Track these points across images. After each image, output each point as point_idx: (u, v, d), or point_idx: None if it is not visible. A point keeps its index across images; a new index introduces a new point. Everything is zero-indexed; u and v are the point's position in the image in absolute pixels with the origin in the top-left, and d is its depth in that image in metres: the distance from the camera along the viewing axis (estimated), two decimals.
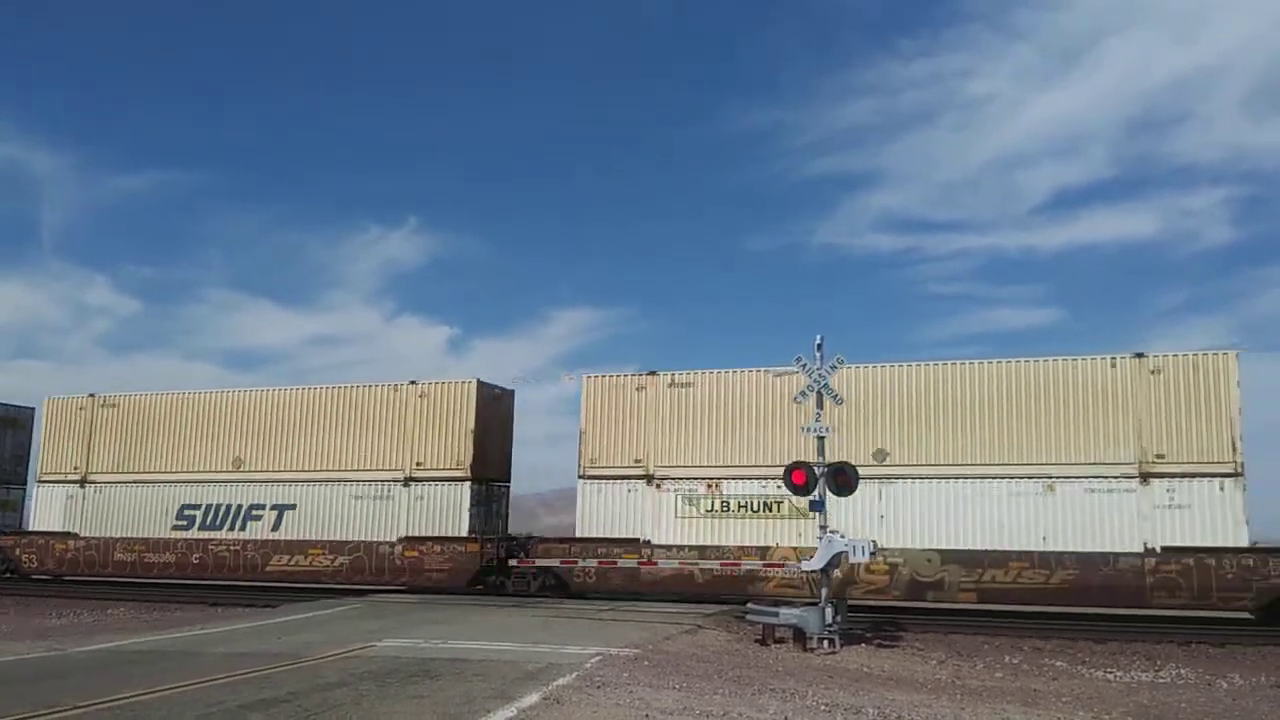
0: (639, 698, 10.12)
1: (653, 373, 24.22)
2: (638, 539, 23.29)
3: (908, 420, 21.90)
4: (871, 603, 21.27)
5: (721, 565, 22.23)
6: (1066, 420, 20.82)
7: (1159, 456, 20.14)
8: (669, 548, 22.97)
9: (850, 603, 19.52)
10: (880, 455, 21.83)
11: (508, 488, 27.21)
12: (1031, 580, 20.29)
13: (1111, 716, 10.59)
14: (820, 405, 17.32)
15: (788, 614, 16.16)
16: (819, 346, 17.34)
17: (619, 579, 23.02)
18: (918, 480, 21.56)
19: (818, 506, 16.99)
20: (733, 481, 22.90)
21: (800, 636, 15.90)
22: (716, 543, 22.74)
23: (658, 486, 23.54)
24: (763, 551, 22.24)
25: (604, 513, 23.81)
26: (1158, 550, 19.79)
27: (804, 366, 17.35)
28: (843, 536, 17.02)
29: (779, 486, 20.77)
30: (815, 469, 16.90)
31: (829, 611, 15.88)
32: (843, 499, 17.86)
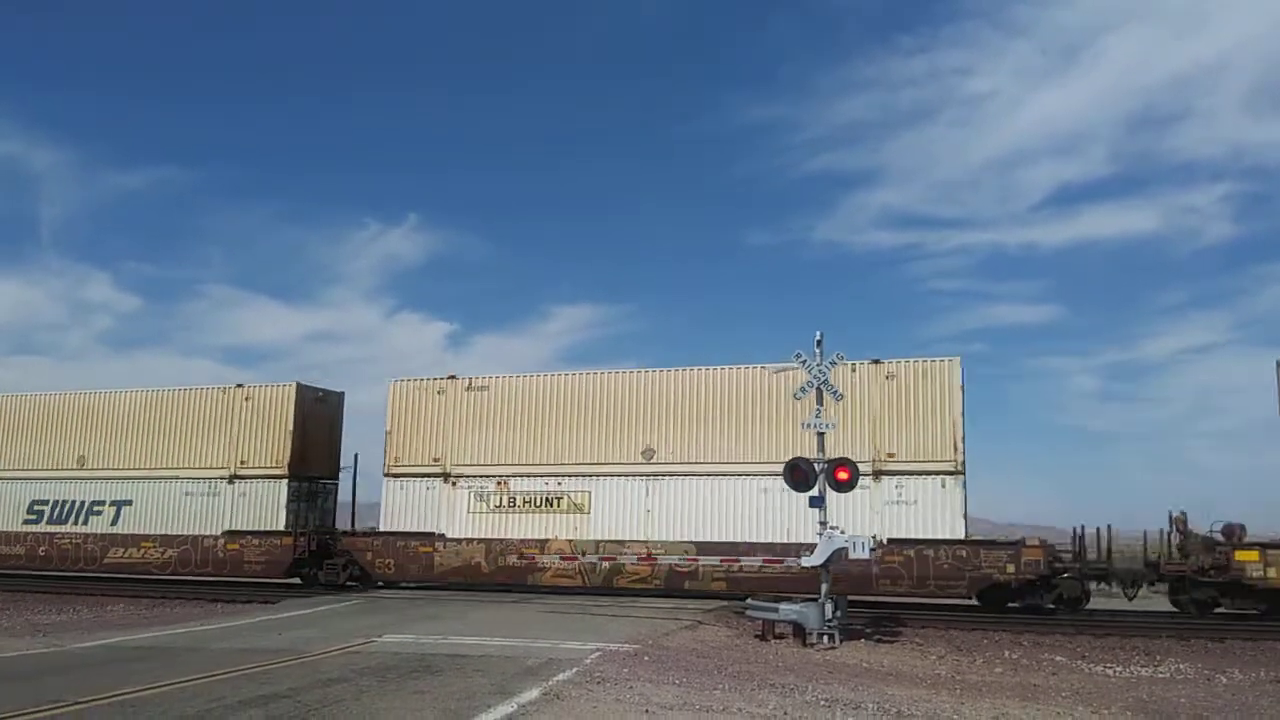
0: (639, 693, 10.13)
1: (452, 376, 25.69)
2: (432, 533, 24.80)
3: (673, 421, 23.47)
4: (637, 589, 23.02)
5: (519, 558, 23.95)
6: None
7: (890, 455, 21.63)
8: (459, 540, 24.54)
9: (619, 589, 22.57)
10: (648, 454, 23.42)
11: (335, 485, 28.53)
12: (775, 570, 21.72)
13: (1111, 711, 10.60)
14: (820, 402, 17.34)
15: (787, 610, 16.18)
16: (819, 343, 17.37)
17: (415, 569, 24.83)
18: (680, 477, 23.10)
19: (817, 503, 17.00)
20: (519, 479, 24.42)
21: (800, 632, 15.92)
22: (502, 535, 24.23)
23: (453, 484, 24.97)
24: (541, 544, 23.86)
25: (406, 508, 25.28)
26: (884, 542, 20.97)
27: (804, 363, 17.37)
28: (843, 532, 17.03)
29: (559, 483, 23.67)
30: (815, 465, 16.90)
31: (828, 607, 15.90)
32: (616, 493, 21.79)
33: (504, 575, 23.99)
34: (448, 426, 25.28)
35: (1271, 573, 19.20)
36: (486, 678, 10.89)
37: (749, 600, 17.47)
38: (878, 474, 21.58)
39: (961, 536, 21.03)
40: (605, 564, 23.03)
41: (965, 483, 21.14)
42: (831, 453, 18.01)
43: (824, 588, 16.34)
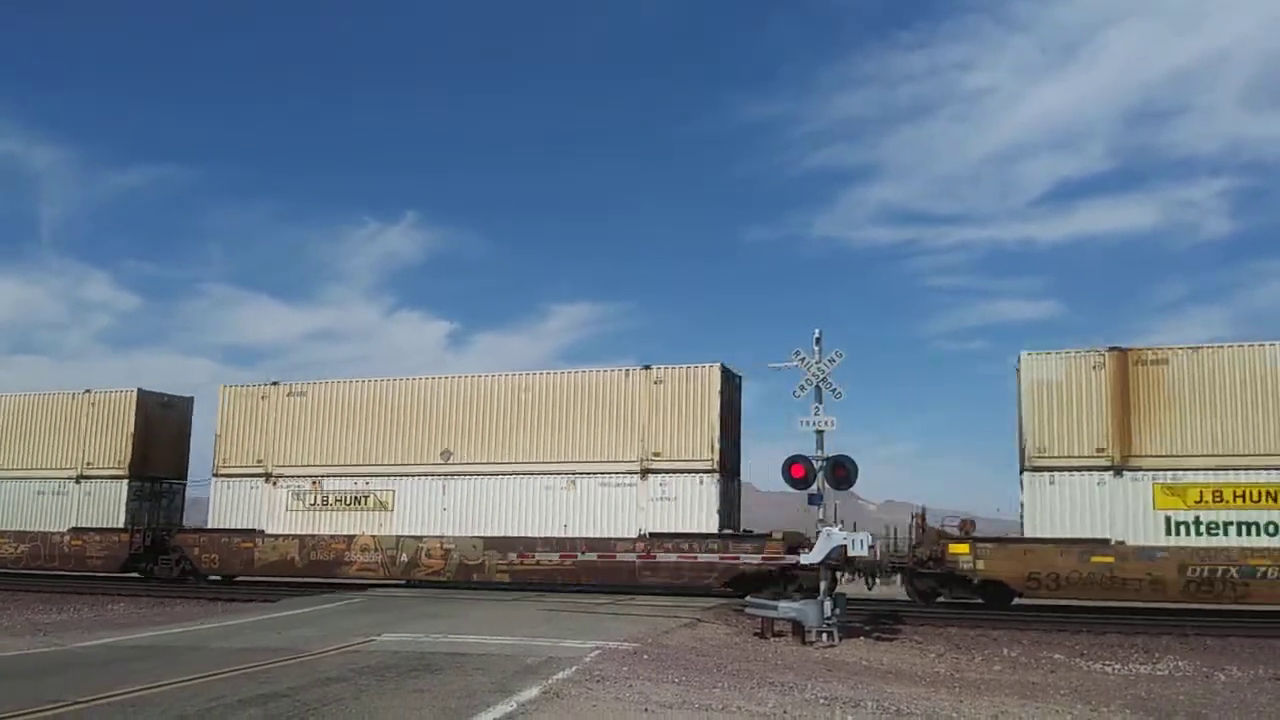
0: (638, 691, 10.14)
1: (275, 383, 27.52)
2: (253, 530, 26.57)
3: (467, 424, 25.20)
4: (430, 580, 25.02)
5: (329, 553, 25.82)
6: (588, 424, 24.01)
7: (656, 454, 23.21)
8: (276, 536, 26.31)
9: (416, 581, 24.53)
10: (446, 455, 25.18)
11: (184, 485, 30.79)
12: (552, 562, 23.38)
13: (1110, 709, 10.61)
14: (819, 400, 17.34)
15: (786, 607, 16.19)
16: (818, 341, 17.36)
17: (237, 563, 26.69)
18: (473, 476, 24.82)
19: (816, 501, 17.01)
20: (332, 479, 26.20)
21: (799, 630, 15.94)
22: (315, 532, 26.01)
23: (274, 484, 26.73)
24: (349, 540, 25.59)
25: (233, 507, 27.04)
26: (647, 536, 22.69)
27: (803, 361, 17.37)
28: (842, 531, 17.03)
29: (367, 483, 25.61)
30: (814, 463, 16.91)
31: (828, 605, 15.92)
32: (416, 492, 24.50)
33: (315, 569, 25.87)
34: (270, 430, 27.02)
35: (980, 564, 20.75)
36: (486, 676, 10.90)
37: (749, 598, 17.49)
38: (645, 472, 23.25)
39: (715, 530, 22.43)
40: (405, 558, 24.94)
41: (720, 480, 22.75)
42: (610, 454, 20.96)
43: (823, 586, 16.35)
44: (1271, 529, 19.41)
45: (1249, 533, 19.51)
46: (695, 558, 22.05)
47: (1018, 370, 21.48)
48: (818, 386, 17.28)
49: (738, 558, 21.76)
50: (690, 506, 22.72)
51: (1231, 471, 19.75)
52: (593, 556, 22.90)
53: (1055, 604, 21.10)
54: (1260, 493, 19.54)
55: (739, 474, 24.80)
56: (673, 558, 22.20)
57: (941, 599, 21.57)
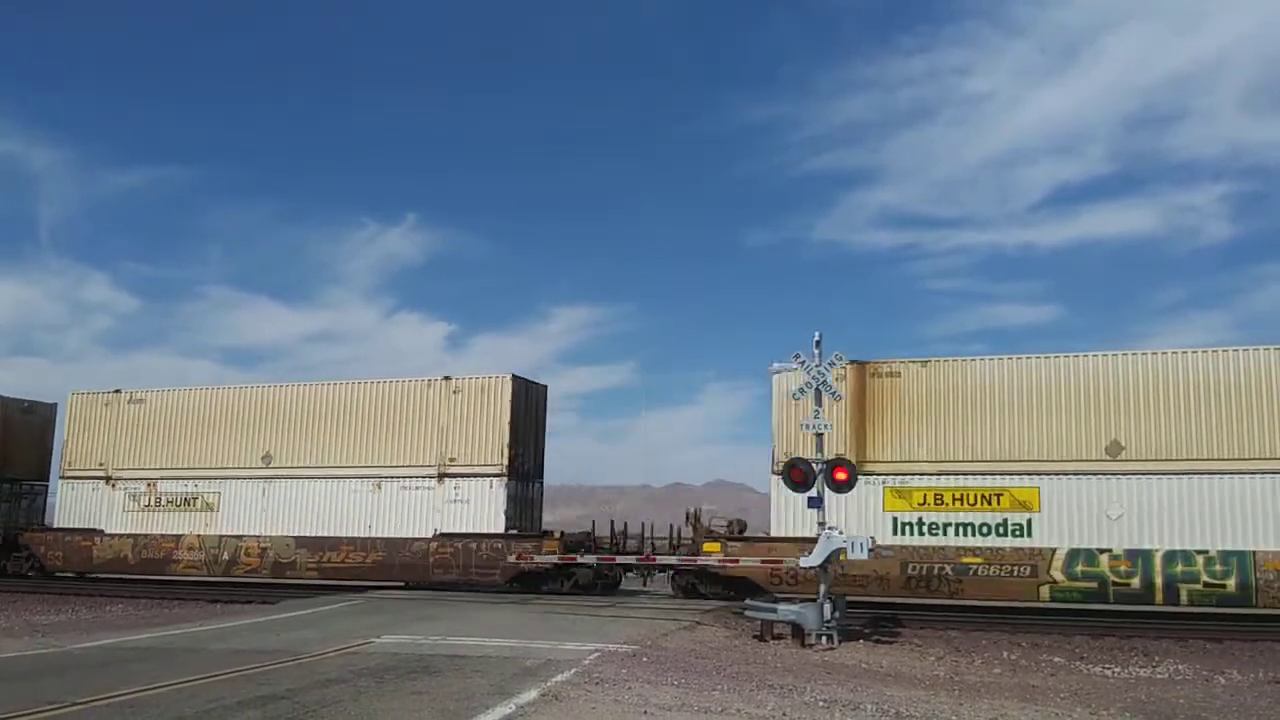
0: (638, 694, 10.13)
1: (118, 391, 29.03)
2: (93, 529, 28.25)
3: (286, 430, 26.98)
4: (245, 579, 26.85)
5: (159, 551, 27.64)
6: (393, 431, 25.81)
7: (452, 460, 25.02)
8: (113, 536, 28.06)
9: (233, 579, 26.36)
10: (266, 459, 26.97)
11: (45, 486, 32.04)
12: (354, 560, 25.35)
13: (1110, 712, 10.60)
14: (819, 402, 17.33)
15: (786, 610, 16.18)
16: (818, 343, 17.36)
17: (78, 561, 28.28)
18: (290, 479, 26.60)
19: (816, 503, 17.00)
20: (165, 481, 27.92)
21: (799, 633, 15.92)
22: (148, 531, 27.77)
23: (113, 486, 28.39)
24: (177, 539, 27.34)
25: (77, 508, 28.71)
26: (439, 535, 24.66)
27: (803, 363, 17.37)
28: (841, 532, 17.02)
29: (196, 485, 27.37)
30: (814, 466, 16.90)
31: (827, 608, 15.90)
32: (239, 494, 26.49)
33: (147, 566, 27.58)
34: (111, 435, 28.70)
35: (729, 562, 22.23)
36: (485, 678, 10.88)
37: (748, 601, 17.48)
38: (442, 476, 25.09)
39: (501, 531, 24.22)
40: (226, 556, 26.71)
41: (509, 484, 24.55)
42: (413, 458, 23.89)
43: (822, 588, 16.34)
44: (985, 529, 21.11)
45: (964, 533, 21.25)
46: (481, 555, 24.09)
47: (771, 381, 22.92)
48: (818, 389, 17.28)
49: (518, 556, 23.48)
50: (481, 508, 24.52)
51: (951, 476, 21.46)
52: (390, 554, 25.07)
53: (1054, 608, 21.10)
54: (975, 496, 21.26)
55: (540, 478, 26.60)
56: (461, 556, 24.28)
57: (702, 593, 22.96)
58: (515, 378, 25.19)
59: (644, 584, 24.71)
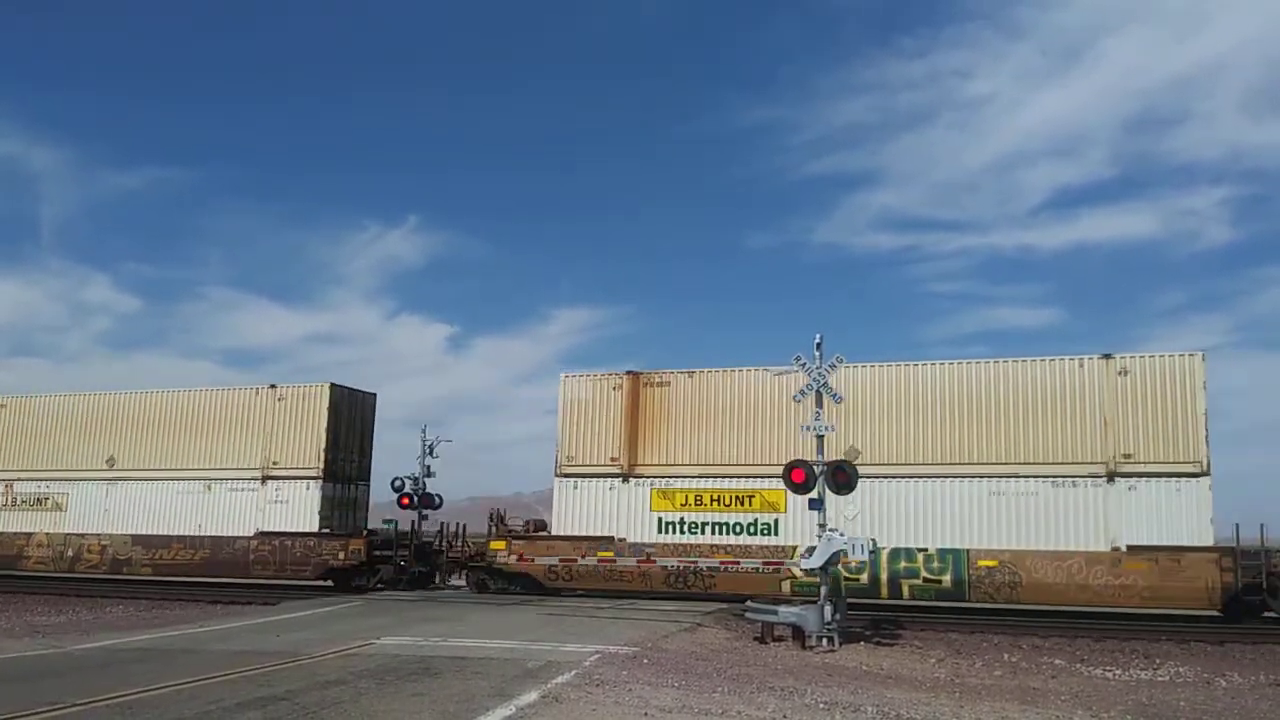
0: (638, 696, 10.12)
1: None
2: None
3: (128, 434, 28.81)
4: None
5: (12, 548, 29.67)
6: (222, 436, 27.77)
7: (274, 463, 27.14)
8: None
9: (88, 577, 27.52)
10: (110, 462, 28.79)
11: None
12: (184, 557, 27.33)
13: (1111, 714, 10.59)
14: (820, 404, 17.32)
15: (786, 612, 16.17)
16: (818, 345, 17.35)
17: None
18: (131, 481, 28.45)
19: (817, 505, 16.97)
20: (22, 483, 29.97)
21: (799, 634, 15.90)
22: (5, 530, 29.75)
23: None
24: (28, 537, 29.36)
25: None
26: (259, 534, 26.72)
27: (804, 366, 17.36)
28: (843, 534, 17.00)
29: (48, 486, 29.48)
30: (815, 467, 16.88)
31: (828, 609, 15.88)
32: (85, 495, 28.43)
33: (1, 562, 29.29)
34: None
35: (514, 559, 24.08)
36: (486, 680, 10.87)
37: (749, 603, 17.46)
38: (265, 478, 27.06)
39: (315, 530, 26.14)
40: (70, 553, 28.58)
41: (324, 486, 26.47)
42: (237, 461, 26.56)
43: (823, 590, 16.32)
44: (737, 529, 22.71)
45: (720, 532, 22.87)
46: (296, 553, 26.12)
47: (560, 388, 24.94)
48: (818, 391, 17.27)
49: (329, 553, 25.80)
50: (298, 509, 26.47)
51: (711, 479, 23.10)
52: (216, 552, 26.96)
53: (1056, 610, 21.09)
54: (730, 497, 22.90)
55: (365, 480, 28.53)
56: (278, 553, 26.24)
57: (492, 589, 24.48)
58: (334, 386, 27.06)
59: (447, 580, 26.92)
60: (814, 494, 16.87)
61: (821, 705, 10.16)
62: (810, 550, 17.29)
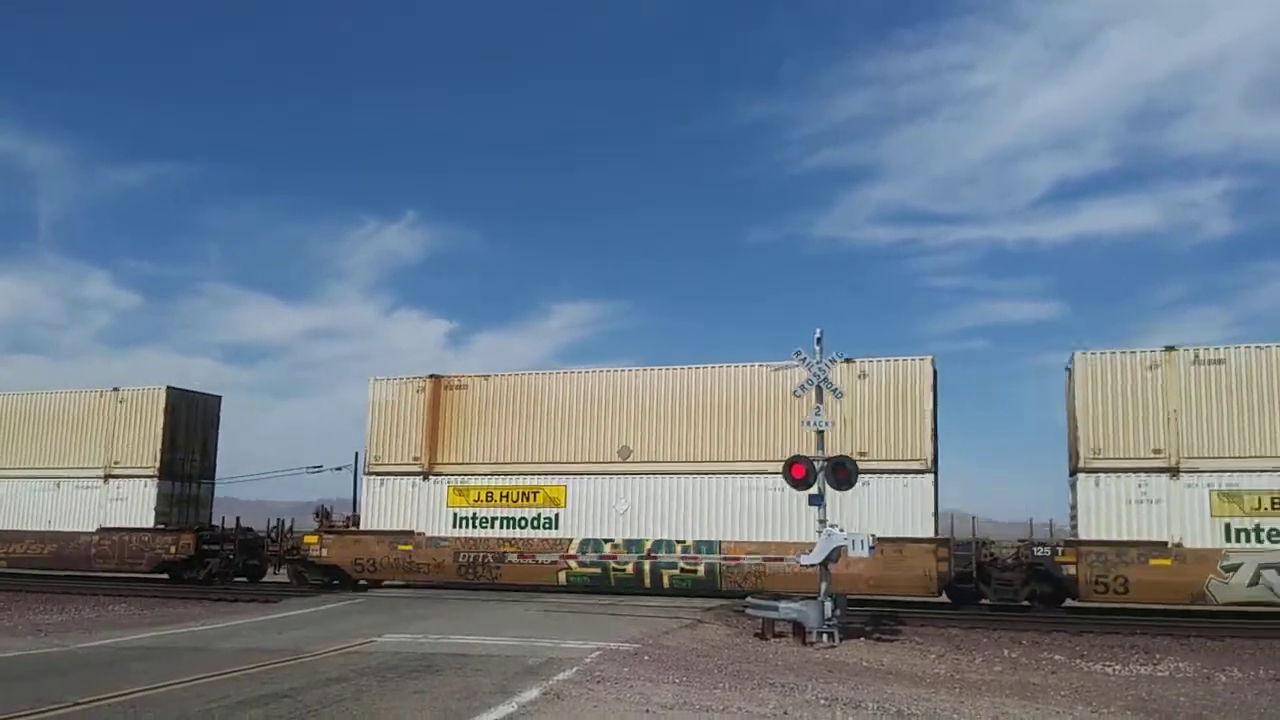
0: (639, 692, 10.16)
1: None
2: None
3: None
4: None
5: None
6: (70, 436, 28.96)
7: (116, 463, 28.27)
8: None
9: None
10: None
11: None
12: (34, 551, 28.53)
13: (1111, 710, 10.62)
14: (820, 399, 17.33)
15: (787, 608, 16.19)
16: (819, 340, 17.35)
17: None
18: (11, 479, 29.63)
19: (817, 501, 16.99)
20: None
21: (800, 631, 15.93)
22: None
23: None
24: None
25: None
26: (101, 529, 27.83)
27: (804, 360, 17.36)
28: (843, 530, 17.01)
29: None
30: (815, 463, 16.90)
31: (828, 606, 15.91)
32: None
33: None
34: None
35: (325, 552, 25.38)
36: (487, 677, 10.91)
37: (749, 599, 17.49)
38: (107, 477, 28.36)
39: (151, 526, 27.41)
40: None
41: (160, 483, 27.69)
42: (75, 461, 28.20)
43: (823, 586, 16.35)
44: (523, 523, 23.87)
45: (508, 526, 24.01)
46: (132, 547, 27.39)
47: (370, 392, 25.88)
48: (819, 386, 17.28)
49: (162, 549, 27.15)
50: (136, 505, 27.76)
51: (501, 477, 24.20)
52: (62, 546, 28.18)
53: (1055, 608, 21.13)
54: (517, 493, 24.06)
55: (209, 478, 29.90)
56: (118, 548, 27.51)
57: (312, 582, 25.80)
58: (171, 389, 28.54)
59: (274, 572, 28.20)
60: (814, 490, 16.90)
61: (822, 701, 10.19)
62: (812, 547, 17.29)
